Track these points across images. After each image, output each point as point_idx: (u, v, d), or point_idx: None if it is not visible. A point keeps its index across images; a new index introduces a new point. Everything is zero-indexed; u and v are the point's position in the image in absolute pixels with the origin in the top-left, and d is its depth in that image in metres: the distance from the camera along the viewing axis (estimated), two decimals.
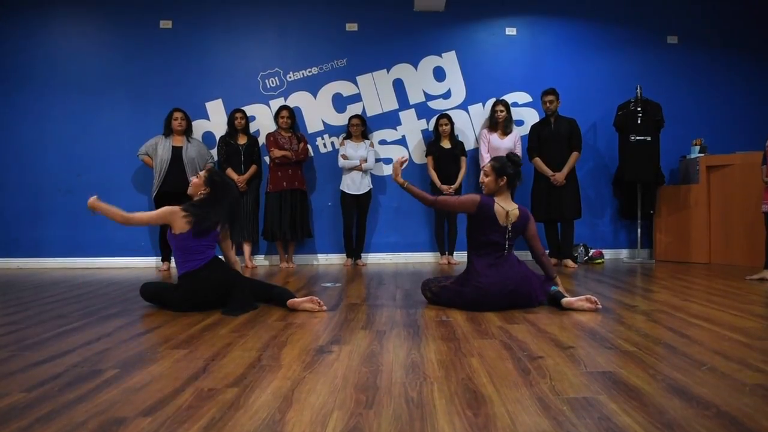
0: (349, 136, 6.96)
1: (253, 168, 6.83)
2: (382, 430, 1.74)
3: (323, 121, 7.25)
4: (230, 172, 6.73)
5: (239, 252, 6.93)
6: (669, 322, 3.29)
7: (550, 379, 2.22)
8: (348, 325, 3.29)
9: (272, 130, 6.92)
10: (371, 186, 6.94)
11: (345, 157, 6.81)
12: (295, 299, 3.80)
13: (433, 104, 7.32)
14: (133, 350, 2.77)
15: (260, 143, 7.04)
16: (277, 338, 2.97)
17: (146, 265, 7.01)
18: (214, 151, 6.95)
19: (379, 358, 2.57)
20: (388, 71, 7.30)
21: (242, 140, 6.85)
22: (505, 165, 3.80)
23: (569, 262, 6.47)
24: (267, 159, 6.92)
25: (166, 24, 7.17)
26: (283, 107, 6.90)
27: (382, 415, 1.85)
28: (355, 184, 6.82)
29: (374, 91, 7.28)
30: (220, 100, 7.17)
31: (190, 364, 2.50)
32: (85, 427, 1.78)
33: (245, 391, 2.11)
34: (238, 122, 6.82)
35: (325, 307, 3.81)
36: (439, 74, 7.35)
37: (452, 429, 1.75)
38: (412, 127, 7.31)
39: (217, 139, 6.97)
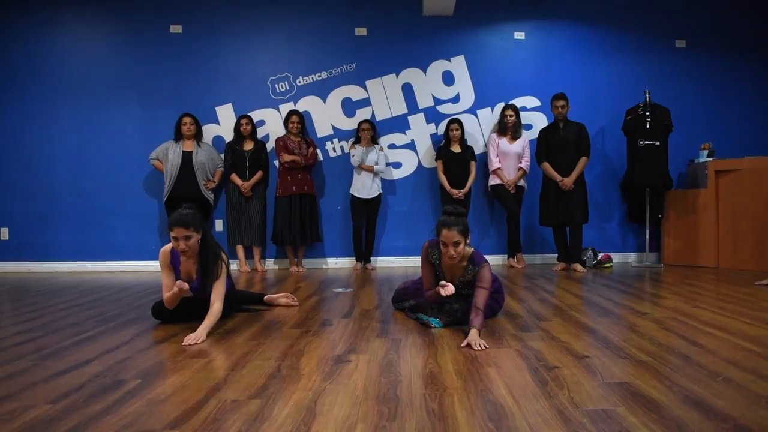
0: (358, 141, 6.98)
1: (258, 174, 6.87)
2: None
3: (332, 126, 7.29)
4: (235, 177, 6.79)
5: (249, 256, 6.99)
6: (681, 330, 3.31)
7: (568, 391, 2.24)
8: (363, 334, 3.32)
9: (282, 135, 6.95)
10: (381, 190, 6.97)
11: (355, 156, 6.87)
12: (272, 295, 4.36)
13: (442, 108, 7.35)
14: (153, 359, 2.80)
15: (268, 148, 7.09)
16: (294, 347, 3.00)
17: (156, 268, 7.01)
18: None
19: (398, 368, 2.60)
20: (397, 75, 7.33)
21: (248, 146, 6.88)
22: (466, 222, 3.45)
23: (578, 267, 6.49)
24: (277, 163, 6.95)
25: (176, 29, 7.20)
26: (293, 112, 6.93)
27: (405, 428, 1.88)
28: (365, 188, 6.85)
29: (383, 96, 7.32)
30: (230, 105, 7.20)
31: (210, 374, 2.53)
32: None
33: (268, 403, 2.14)
34: (243, 128, 6.86)
35: (297, 303, 4.35)
36: (448, 78, 7.38)
37: None
38: (421, 131, 7.34)
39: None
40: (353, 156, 6.86)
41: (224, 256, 3.62)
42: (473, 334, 3.04)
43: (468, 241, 3.44)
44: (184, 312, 3.68)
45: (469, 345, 2.95)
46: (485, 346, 2.93)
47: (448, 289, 3.37)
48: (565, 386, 2.30)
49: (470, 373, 2.50)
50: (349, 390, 2.29)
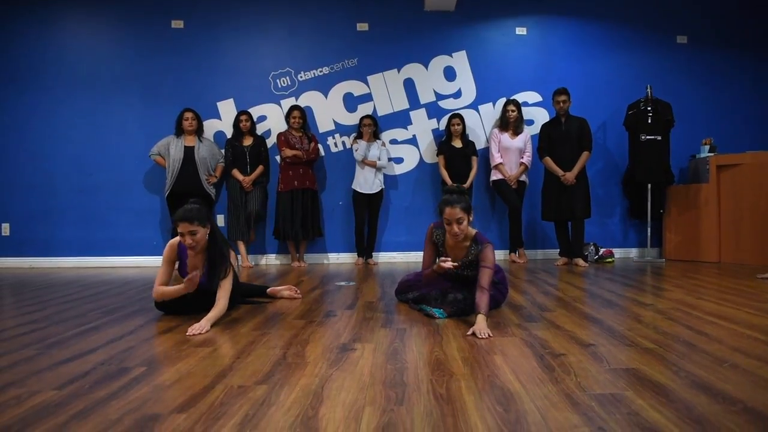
0: (360, 136, 6.97)
1: (259, 168, 6.86)
2: (415, 425, 1.77)
3: (334, 121, 7.28)
4: (236, 173, 6.78)
5: (251, 251, 6.99)
6: (685, 320, 3.31)
7: (575, 376, 2.24)
8: (368, 324, 3.31)
9: (283, 130, 6.94)
10: (383, 186, 6.97)
11: (358, 151, 6.86)
12: (275, 288, 4.34)
13: (444, 104, 7.34)
14: (157, 348, 2.80)
15: (269, 143, 7.09)
16: (298, 336, 3.00)
17: (158, 264, 7.01)
18: None
19: (403, 355, 2.59)
20: (398, 71, 7.33)
21: (247, 142, 6.88)
22: (467, 200, 3.49)
23: (580, 261, 6.48)
24: (278, 158, 6.95)
25: (177, 24, 7.20)
26: (294, 107, 6.92)
27: (414, 411, 1.87)
28: (367, 183, 6.86)
29: (385, 91, 7.31)
30: (231, 100, 7.20)
31: (216, 361, 2.52)
32: (121, 424, 1.80)
33: (275, 388, 2.13)
34: (243, 125, 6.86)
35: (300, 295, 4.35)
36: (450, 74, 7.37)
37: (485, 425, 1.77)
38: (423, 126, 7.33)
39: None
40: (356, 150, 6.85)
41: (232, 255, 3.62)
42: (480, 321, 3.03)
43: (471, 219, 3.48)
44: (189, 304, 3.68)
45: (474, 334, 2.95)
46: (489, 335, 2.92)
47: (449, 262, 3.40)
48: (571, 372, 2.30)
49: (476, 360, 2.49)
50: (356, 376, 2.28)
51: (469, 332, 2.98)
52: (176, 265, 3.71)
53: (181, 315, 3.61)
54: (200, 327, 3.12)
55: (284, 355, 2.61)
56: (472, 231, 3.55)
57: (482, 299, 3.17)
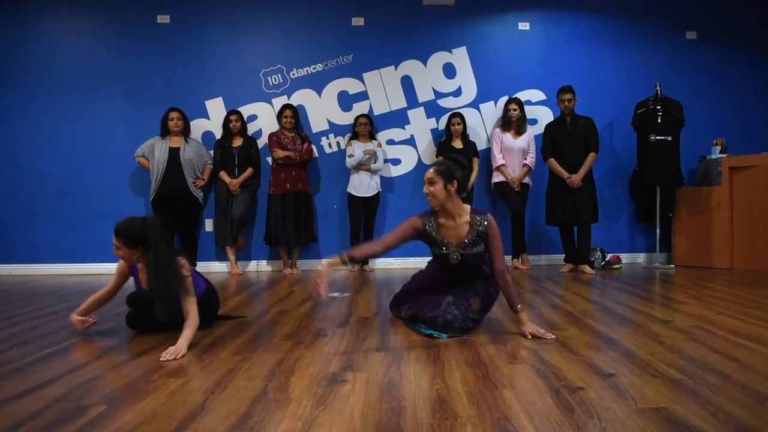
0: (355, 137, 6.68)
1: (248, 171, 6.56)
2: None
3: (328, 120, 6.98)
4: (223, 175, 6.51)
5: (242, 257, 6.70)
6: (711, 342, 3.00)
7: (599, 420, 1.93)
8: (361, 346, 3.00)
9: (275, 130, 6.64)
10: (379, 189, 6.67)
11: (352, 157, 6.54)
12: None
13: (443, 102, 7.04)
14: (123, 379, 2.48)
15: (260, 144, 6.80)
16: (283, 363, 2.69)
17: None
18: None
19: (400, 389, 2.28)
20: (396, 68, 7.03)
21: (237, 143, 6.59)
22: (453, 167, 3.27)
23: (586, 268, 6.18)
24: (270, 159, 6.64)
25: (163, 19, 6.89)
26: (286, 106, 6.61)
27: None
28: (363, 186, 6.56)
29: (382, 89, 7.01)
30: (220, 99, 6.89)
31: (186, 398, 2.21)
32: None
33: None
34: (232, 125, 6.57)
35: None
36: (449, 71, 7.07)
37: None
38: (422, 126, 7.03)
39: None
40: (350, 156, 6.55)
41: (181, 279, 3.11)
42: (527, 320, 3.19)
43: (451, 188, 3.21)
44: (158, 323, 3.35)
45: (534, 336, 3.11)
46: (552, 336, 3.11)
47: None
48: (594, 414, 1.99)
49: (483, 396, 2.18)
50: (345, 418, 1.97)
51: (528, 335, 3.11)
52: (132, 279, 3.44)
53: (155, 334, 3.30)
54: (176, 350, 2.82)
55: (265, 390, 2.30)
56: (466, 206, 3.35)
57: (510, 290, 3.21)
